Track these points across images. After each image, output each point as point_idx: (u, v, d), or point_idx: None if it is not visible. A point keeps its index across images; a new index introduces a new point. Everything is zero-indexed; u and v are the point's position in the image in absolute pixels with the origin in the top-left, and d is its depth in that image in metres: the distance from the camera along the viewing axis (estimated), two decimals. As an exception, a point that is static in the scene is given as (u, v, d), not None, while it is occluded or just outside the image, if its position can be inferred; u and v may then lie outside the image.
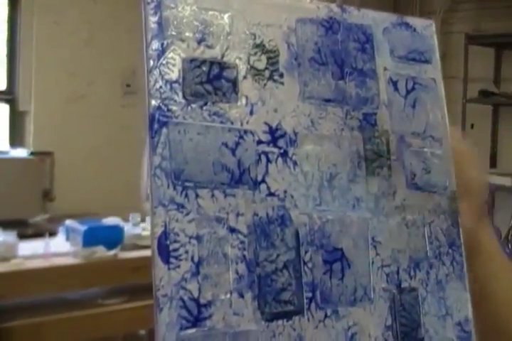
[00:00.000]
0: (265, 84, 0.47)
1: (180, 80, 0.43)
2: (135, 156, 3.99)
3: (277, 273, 0.44)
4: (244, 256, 0.43)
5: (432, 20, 0.59)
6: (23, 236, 2.56)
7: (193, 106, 0.43)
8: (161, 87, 0.43)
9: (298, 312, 0.44)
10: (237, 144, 0.45)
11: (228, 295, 0.42)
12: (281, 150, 0.47)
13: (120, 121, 3.91)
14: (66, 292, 2.47)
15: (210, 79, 0.44)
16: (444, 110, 0.55)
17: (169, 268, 0.40)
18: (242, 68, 0.46)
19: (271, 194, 0.45)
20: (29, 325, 2.24)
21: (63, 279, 2.36)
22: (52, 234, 2.65)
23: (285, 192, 0.46)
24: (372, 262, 0.49)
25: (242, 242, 0.43)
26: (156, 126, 0.42)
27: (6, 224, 2.59)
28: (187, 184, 0.42)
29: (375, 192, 0.51)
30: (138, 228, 2.86)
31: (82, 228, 2.51)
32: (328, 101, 0.50)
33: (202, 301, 0.41)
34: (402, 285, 0.50)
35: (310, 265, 0.46)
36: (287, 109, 0.48)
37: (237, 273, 0.43)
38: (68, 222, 2.63)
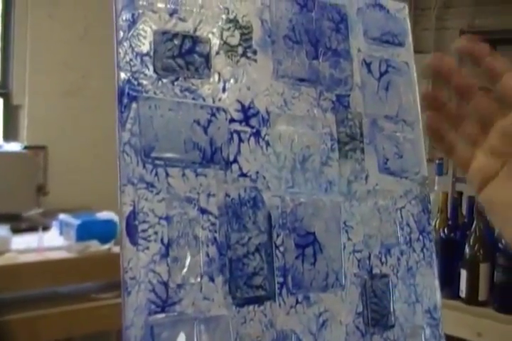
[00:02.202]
0: (238, 61, 0.45)
1: (151, 53, 0.42)
2: (129, 151, 3.88)
3: (249, 256, 0.43)
4: (215, 238, 0.42)
5: (404, 3, 0.57)
6: (16, 231, 2.56)
7: (164, 80, 0.42)
8: (131, 59, 0.42)
9: (269, 297, 0.43)
10: (210, 122, 0.43)
11: (198, 279, 0.41)
12: (254, 130, 0.45)
13: (114, 115, 3.90)
14: (60, 286, 2.47)
15: (182, 54, 0.43)
16: (416, 94, 0.54)
17: (138, 250, 0.39)
18: (215, 43, 0.44)
19: (243, 174, 0.44)
20: (23, 319, 2.24)
21: (57, 273, 2.36)
22: (46, 228, 2.65)
23: (257, 173, 0.45)
24: (344, 247, 0.48)
25: (213, 224, 0.42)
26: (125, 100, 0.41)
27: (0, 219, 2.58)
28: (157, 162, 0.40)
29: (347, 176, 0.49)
30: (132, 222, 2.85)
31: (76, 222, 2.51)
32: (301, 80, 0.48)
33: (171, 285, 0.40)
34: (374, 272, 0.49)
35: (282, 249, 0.45)
36: (260, 87, 0.46)
37: (207, 255, 0.41)
38: (62, 216, 2.63)
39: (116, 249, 2.54)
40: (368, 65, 0.52)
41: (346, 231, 0.48)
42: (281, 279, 0.44)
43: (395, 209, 0.51)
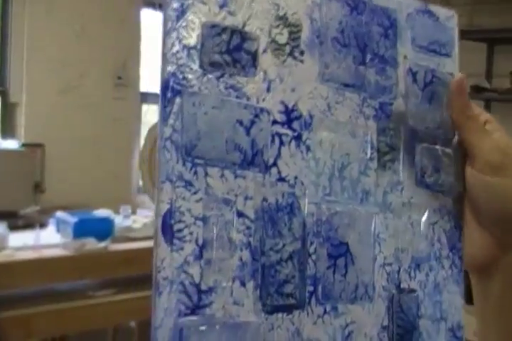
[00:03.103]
0: (284, 61, 0.44)
1: (199, 47, 0.40)
2: (126, 148, 4.01)
3: (282, 263, 0.42)
4: (249, 242, 0.41)
5: (453, 11, 0.56)
6: (13, 228, 2.55)
7: (210, 76, 0.41)
8: (177, 51, 0.40)
9: (299, 306, 0.43)
10: (253, 123, 0.42)
11: (230, 283, 0.40)
12: (295, 133, 0.44)
13: (111, 113, 3.90)
14: (56, 283, 2.47)
15: (230, 50, 0.42)
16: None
17: (172, 250, 0.38)
18: (263, 41, 0.43)
19: (281, 179, 0.43)
20: (19, 316, 2.24)
21: (53, 271, 2.36)
22: (43, 225, 2.65)
23: (295, 178, 0.43)
24: (375, 260, 0.47)
25: (248, 228, 0.41)
26: (169, 94, 0.39)
27: (-3, 216, 2.58)
28: (197, 161, 0.39)
29: (384, 187, 0.48)
30: (128, 220, 2.86)
31: (73, 220, 2.50)
32: (346, 85, 0.47)
33: (203, 287, 0.39)
34: (402, 286, 0.48)
35: (314, 257, 0.44)
36: (305, 89, 0.45)
37: (240, 260, 0.40)
38: (59, 214, 2.63)
39: (112, 247, 2.54)
40: (414, 74, 0.51)
41: (378, 244, 0.47)
42: (311, 288, 0.43)
43: (428, 223, 0.50)
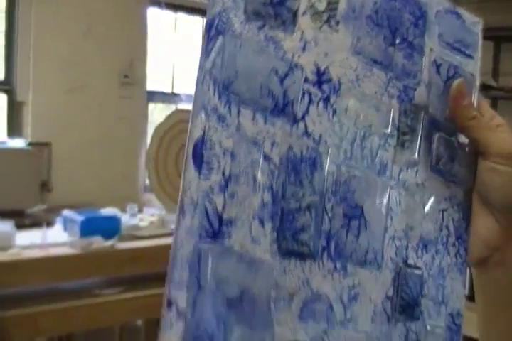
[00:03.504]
0: (321, 26, 0.46)
1: None
2: (133, 147, 4.01)
3: (300, 212, 0.44)
4: (271, 186, 0.42)
5: (480, 18, 0.58)
6: (20, 227, 2.56)
7: (252, 24, 0.42)
8: None
9: (311, 256, 0.44)
10: (287, 75, 0.44)
11: (250, 219, 0.41)
12: (324, 95, 0.46)
13: (118, 112, 3.91)
14: (63, 282, 2.48)
15: (274, 3, 0.43)
16: (475, 106, 0.55)
17: (199, 175, 0.39)
18: (303, 3, 0.45)
19: (307, 134, 0.44)
20: (26, 314, 2.25)
21: (60, 269, 2.37)
22: (50, 224, 2.66)
23: (320, 136, 0.45)
24: (386, 230, 0.49)
25: (272, 172, 0.42)
26: (213, 31, 0.41)
27: (4, 215, 2.59)
28: (232, 98, 0.41)
29: (401, 165, 0.50)
30: (135, 218, 2.86)
31: (80, 218, 2.51)
32: (375, 62, 0.49)
33: (225, 217, 0.40)
34: (409, 262, 0.50)
35: (330, 214, 0.45)
36: (337, 57, 0.47)
37: (262, 200, 0.42)
38: (66, 213, 2.63)
39: (119, 245, 2.55)
40: (438, 67, 0.53)
41: (390, 217, 0.49)
42: (324, 243, 0.44)
43: (438, 209, 0.52)
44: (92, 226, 2.51)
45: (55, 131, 3.65)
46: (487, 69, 4.25)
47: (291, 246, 0.43)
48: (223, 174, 0.40)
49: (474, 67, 0.56)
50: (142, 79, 4.06)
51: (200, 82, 0.40)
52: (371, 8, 0.49)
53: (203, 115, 0.40)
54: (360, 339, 0.47)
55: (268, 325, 0.42)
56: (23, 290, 2.40)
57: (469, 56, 0.56)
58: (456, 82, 0.52)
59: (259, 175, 0.42)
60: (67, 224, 2.59)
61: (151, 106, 4.31)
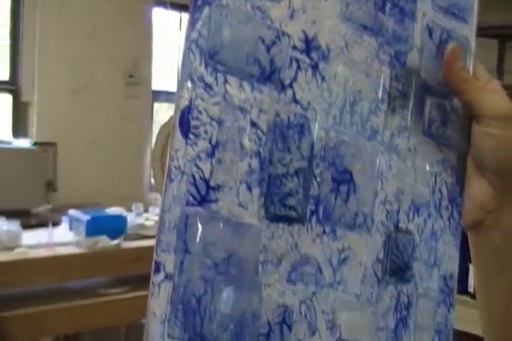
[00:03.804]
0: None
1: None
2: (138, 147, 4.02)
3: (287, 177, 0.44)
4: (259, 152, 0.43)
5: None
6: (26, 226, 2.57)
7: None
8: None
9: (299, 220, 0.45)
10: (273, 43, 0.44)
11: (237, 185, 0.42)
12: (313, 62, 0.46)
13: (123, 111, 3.92)
14: (69, 281, 2.49)
15: None
16: (470, 70, 0.55)
17: (186, 143, 0.40)
18: None
19: (295, 100, 0.45)
20: (33, 313, 2.26)
21: (66, 268, 2.38)
22: (56, 224, 2.67)
23: (309, 103, 0.46)
24: (377, 195, 0.49)
25: (259, 138, 0.43)
26: (200, 1, 0.41)
27: (10, 214, 2.60)
28: (218, 66, 0.41)
29: (392, 130, 0.50)
30: (141, 218, 2.87)
31: (86, 218, 2.52)
32: (365, 28, 0.49)
33: (212, 184, 0.41)
34: (400, 225, 0.50)
35: (319, 179, 0.46)
36: (325, 24, 0.47)
37: (249, 166, 0.43)
38: (71, 212, 2.65)
39: (125, 245, 2.56)
40: (430, 31, 0.53)
41: (381, 181, 0.49)
42: (313, 207, 0.45)
43: (431, 173, 0.52)
44: (97, 226, 2.52)
45: (61, 131, 3.66)
46: (492, 68, 4.24)
47: (278, 210, 0.44)
48: (210, 141, 0.41)
49: (469, 31, 0.56)
50: (147, 78, 4.07)
51: (186, 52, 0.41)
52: None
53: (189, 84, 0.41)
54: (349, 300, 0.47)
55: (256, 287, 0.42)
56: (29, 290, 2.41)
57: (464, 20, 0.55)
58: (449, 46, 0.52)
59: (246, 141, 0.43)
60: (73, 223, 2.60)
61: (156, 105, 4.32)
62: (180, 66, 0.41)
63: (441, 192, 0.53)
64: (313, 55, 0.46)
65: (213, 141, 0.41)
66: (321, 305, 0.46)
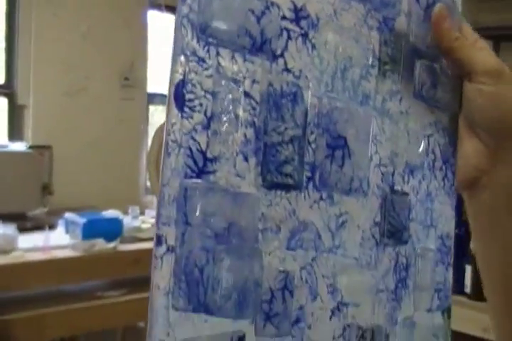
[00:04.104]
0: None
1: None
2: (134, 149, 4.02)
3: (283, 145, 0.45)
4: (254, 122, 0.43)
5: None
6: (22, 230, 2.57)
7: None
8: None
9: (296, 187, 0.45)
10: (263, 13, 0.44)
11: (234, 155, 0.42)
12: (303, 31, 0.47)
13: (118, 114, 3.92)
14: (66, 284, 2.48)
15: None
16: (458, 31, 0.55)
17: (182, 117, 0.41)
18: None
19: (287, 69, 0.45)
20: (29, 317, 2.26)
21: (63, 272, 2.38)
22: (52, 227, 2.66)
23: (300, 71, 0.46)
24: (371, 159, 0.50)
25: (253, 108, 0.44)
26: None
27: (6, 218, 2.59)
28: (210, 40, 0.42)
29: (383, 94, 0.51)
30: (137, 220, 2.87)
31: (82, 220, 2.52)
32: None
33: (208, 155, 0.41)
34: (395, 188, 0.51)
35: (314, 146, 0.47)
36: None
37: (245, 136, 0.43)
38: (67, 215, 2.64)
39: (121, 247, 2.55)
40: None
41: (375, 145, 0.50)
42: (309, 174, 0.46)
43: (423, 135, 0.53)
44: (94, 229, 2.51)
45: (56, 133, 3.66)
46: (487, 69, 4.25)
47: (275, 178, 0.44)
48: (205, 114, 0.42)
49: None
50: (143, 81, 4.07)
51: (178, 27, 0.41)
52: None
53: (182, 58, 0.41)
54: (349, 264, 0.48)
55: (256, 255, 0.43)
56: (26, 293, 2.40)
57: None
58: (437, 6, 0.53)
59: (240, 112, 0.43)
60: (69, 226, 2.60)
61: (152, 108, 4.32)
62: (173, 41, 0.41)
63: (434, 153, 0.54)
64: (303, 24, 0.47)
65: (208, 113, 0.42)
66: (321, 269, 0.47)
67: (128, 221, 2.77)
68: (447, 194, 0.55)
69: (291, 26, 0.46)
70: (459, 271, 1.92)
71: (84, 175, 3.70)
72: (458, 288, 1.93)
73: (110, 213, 2.78)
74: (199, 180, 0.41)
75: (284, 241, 0.45)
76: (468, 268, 1.90)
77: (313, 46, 0.47)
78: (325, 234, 0.47)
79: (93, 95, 3.82)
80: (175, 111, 0.40)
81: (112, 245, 2.51)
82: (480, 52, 0.52)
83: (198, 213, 0.41)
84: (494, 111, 0.51)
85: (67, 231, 2.60)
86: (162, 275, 0.39)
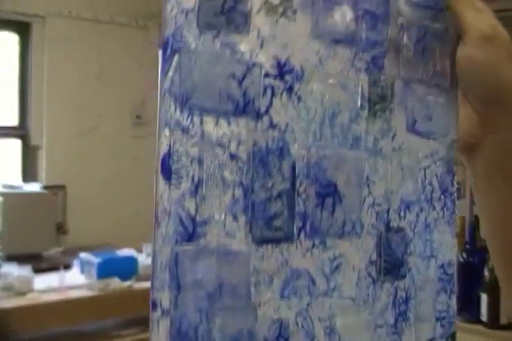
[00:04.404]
0: (277, 20, 0.47)
1: (196, 10, 0.44)
2: (146, 186, 3.98)
3: (271, 200, 0.45)
4: (241, 182, 0.44)
5: None
6: (37, 270, 2.56)
7: (206, 36, 0.44)
8: (176, 14, 0.44)
9: (287, 239, 0.46)
10: (244, 76, 0.45)
11: (223, 217, 0.43)
12: (287, 85, 0.47)
13: (131, 152, 3.94)
14: (82, 324, 2.46)
15: (224, 11, 0.45)
16: (454, 60, 0.55)
17: (170, 187, 0.42)
18: (256, 2, 0.46)
19: (273, 126, 0.46)
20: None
21: (78, 312, 2.36)
22: (67, 266, 2.66)
23: (287, 125, 0.47)
24: (364, 200, 0.50)
25: (240, 168, 0.44)
26: (169, 51, 0.43)
27: (21, 259, 2.60)
28: (193, 109, 0.43)
29: (374, 134, 0.51)
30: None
31: (96, 260, 2.51)
32: (337, 41, 0.50)
33: (198, 220, 0.42)
34: (391, 225, 0.51)
35: (304, 196, 0.47)
36: (297, 45, 0.48)
37: (233, 196, 0.44)
38: (82, 255, 2.64)
39: (137, 286, 2.54)
40: (406, 29, 0.54)
41: (368, 186, 0.50)
42: (300, 224, 0.46)
43: (419, 168, 0.53)
44: (108, 268, 2.51)
45: (70, 173, 3.68)
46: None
47: (265, 233, 0.45)
48: (192, 180, 0.43)
49: (448, 19, 0.55)
50: (154, 118, 4.09)
51: (161, 100, 0.42)
52: None
53: (167, 131, 0.42)
54: (346, 304, 0.48)
55: (250, 308, 0.44)
56: (43, 334, 2.38)
57: (441, 9, 0.55)
58: None
59: (227, 174, 0.44)
60: (84, 266, 2.59)
61: (164, 145, 4.34)
62: (158, 114, 0.43)
63: (431, 185, 0.54)
64: (287, 77, 0.47)
65: (195, 180, 0.43)
66: (317, 313, 0.47)
67: (142, 259, 2.76)
68: (447, 223, 0.55)
69: (275, 82, 0.47)
70: (475, 299, 1.89)
71: (99, 213, 3.71)
72: (474, 316, 1.90)
73: (125, 252, 2.77)
74: (189, 245, 0.42)
75: (278, 291, 0.45)
76: (484, 297, 1.87)
77: (299, 98, 0.48)
78: (319, 279, 0.47)
79: (105, 134, 3.85)
80: (162, 182, 0.42)
81: (127, 284, 2.50)
82: (476, 14, 0.52)
83: (189, 276, 0.42)
84: (483, 77, 0.51)
85: (82, 271, 2.59)
86: (159, 339, 0.41)
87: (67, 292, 2.41)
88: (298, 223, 0.46)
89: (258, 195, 0.45)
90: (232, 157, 0.44)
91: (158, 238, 0.41)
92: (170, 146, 0.42)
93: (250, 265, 0.44)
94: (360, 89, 0.51)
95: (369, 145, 0.51)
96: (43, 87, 3.68)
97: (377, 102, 0.52)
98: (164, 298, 0.41)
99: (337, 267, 0.48)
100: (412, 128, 0.53)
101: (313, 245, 0.47)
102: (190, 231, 0.42)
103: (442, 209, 0.55)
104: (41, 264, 2.82)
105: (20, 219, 3.03)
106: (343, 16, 0.50)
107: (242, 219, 0.44)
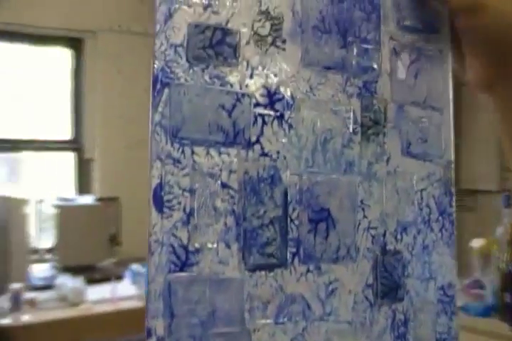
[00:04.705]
0: (267, 50, 0.48)
1: (185, 44, 0.45)
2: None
3: (263, 228, 0.46)
4: (233, 210, 0.45)
5: None
6: (90, 281, 2.62)
7: (195, 69, 0.45)
8: (165, 49, 0.44)
9: (280, 265, 0.46)
10: (234, 106, 0.46)
11: (215, 245, 0.44)
12: (278, 113, 0.47)
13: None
14: (132, 335, 2.50)
15: (213, 45, 0.46)
16: (448, 81, 0.55)
17: (162, 217, 0.43)
18: (245, 34, 0.47)
19: (264, 154, 0.46)
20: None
21: (130, 322, 2.39)
22: (119, 277, 2.71)
23: (278, 153, 0.47)
24: (359, 224, 0.50)
25: (232, 197, 0.45)
26: (158, 86, 0.44)
27: (75, 270, 2.66)
28: (184, 141, 0.44)
29: (368, 158, 0.51)
30: (202, 269, 2.88)
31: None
32: (328, 68, 0.50)
33: (190, 248, 0.43)
34: (387, 248, 0.51)
35: (296, 222, 0.47)
36: (287, 74, 0.48)
37: (225, 225, 0.44)
38: (133, 266, 2.68)
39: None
40: (399, 53, 0.53)
41: (363, 209, 0.50)
42: (293, 250, 0.46)
43: (415, 190, 0.53)
44: (158, 279, 2.54)
45: (123, 185, 3.74)
46: None
47: (258, 260, 0.45)
48: (184, 210, 0.43)
49: (442, 40, 0.55)
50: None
51: (152, 133, 0.43)
52: (317, 18, 0.50)
53: (158, 164, 0.43)
54: (342, 328, 0.48)
55: (244, 334, 0.44)
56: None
57: (435, 31, 0.55)
58: None
59: (219, 203, 0.44)
60: (135, 277, 2.63)
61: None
62: (149, 146, 0.44)
63: (429, 207, 0.54)
64: (278, 106, 0.48)
65: (187, 210, 0.43)
66: (313, 338, 0.47)
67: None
68: (446, 244, 0.54)
69: (265, 111, 0.47)
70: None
71: (151, 225, 3.75)
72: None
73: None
74: (182, 273, 0.43)
75: (272, 317, 0.45)
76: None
77: (290, 126, 0.48)
78: (315, 304, 0.47)
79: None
80: (155, 213, 0.43)
81: (177, 294, 2.52)
82: None
83: (183, 305, 0.42)
84: (483, 46, 0.51)
85: (133, 282, 2.63)
86: None
87: (118, 303, 2.45)
88: (291, 249, 0.47)
89: (250, 223, 0.45)
90: (224, 186, 0.45)
91: (152, 267, 0.42)
92: (161, 178, 0.43)
93: (244, 291, 0.44)
94: (352, 114, 0.51)
95: (363, 170, 0.51)
96: (96, 101, 3.76)
97: (371, 126, 0.52)
98: (159, 326, 0.42)
99: (332, 291, 0.48)
100: (407, 151, 0.53)
101: (308, 270, 0.47)
102: (183, 260, 0.43)
103: (441, 230, 0.54)
104: (95, 275, 2.88)
105: (75, 231, 3.09)
106: (332, 43, 0.50)
107: (234, 246, 0.44)
